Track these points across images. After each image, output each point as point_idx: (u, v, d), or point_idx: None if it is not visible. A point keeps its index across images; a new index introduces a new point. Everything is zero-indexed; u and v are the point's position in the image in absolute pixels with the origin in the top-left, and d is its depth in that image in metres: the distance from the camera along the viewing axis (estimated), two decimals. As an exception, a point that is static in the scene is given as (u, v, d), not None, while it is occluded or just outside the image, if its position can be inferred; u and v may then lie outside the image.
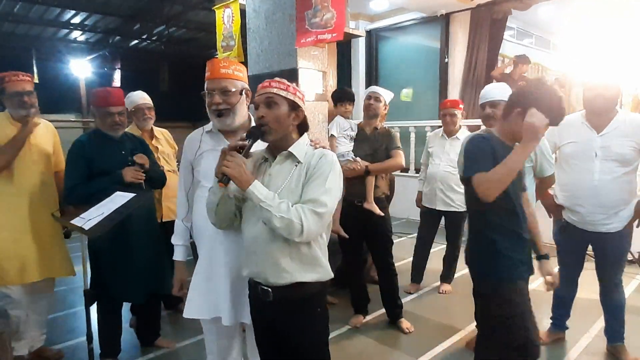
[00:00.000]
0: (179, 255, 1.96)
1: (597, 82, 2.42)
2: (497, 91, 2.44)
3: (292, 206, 1.44)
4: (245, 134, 1.53)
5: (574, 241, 2.65)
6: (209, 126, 1.87)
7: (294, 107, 1.56)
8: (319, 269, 1.55)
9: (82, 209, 2.09)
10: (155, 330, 2.86)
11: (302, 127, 1.62)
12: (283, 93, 1.54)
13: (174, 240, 1.97)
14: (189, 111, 12.08)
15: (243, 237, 1.60)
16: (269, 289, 1.53)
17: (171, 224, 3.02)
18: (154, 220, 2.64)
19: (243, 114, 1.82)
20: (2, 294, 2.46)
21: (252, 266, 1.57)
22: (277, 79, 1.56)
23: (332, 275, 1.60)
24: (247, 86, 1.83)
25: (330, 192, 1.49)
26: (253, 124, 1.85)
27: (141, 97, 3.05)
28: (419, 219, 3.91)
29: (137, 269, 2.43)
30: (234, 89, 1.77)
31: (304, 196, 1.48)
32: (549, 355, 2.71)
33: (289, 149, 1.55)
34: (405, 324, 3.06)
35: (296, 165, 1.54)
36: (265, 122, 1.52)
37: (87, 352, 2.64)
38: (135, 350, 2.81)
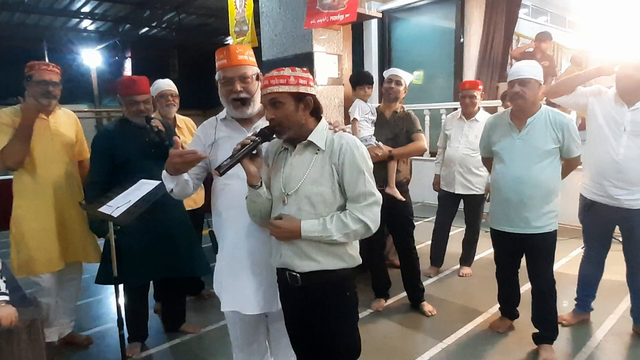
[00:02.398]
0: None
1: (629, 62, 2.37)
2: (528, 68, 2.30)
3: (345, 216, 1.47)
4: (256, 133, 1.51)
5: (599, 220, 2.62)
6: (222, 114, 1.82)
7: (300, 98, 1.49)
8: (346, 257, 1.56)
9: (107, 198, 2.10)
10: (180, 315, 2.90)
11: (316, 112, 1.56)
12: (284, 88, 1.46)
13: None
14: (199, 98, 12.09)
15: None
16: (297, 275, 1.54)
17: (190, 212, 3.06)
18: (180, 204, 2.61)
19: (260, 100, 1.75)
20: (32, 282, 2.51)
21: (279, 257, 1.57)
22: (274, 73, 1.48)
23: (360, 261, 1.60)
24: (259, 70, 1.79)
25: (370, 178, 1.51)
26: None
27: (166, 84, 3.07)
28: (434, 202, 3.88)
29: (155, 250, 2.42)
30: (252, 75, 1.73)
31: (349, 193, 1.50)
32: (573, 337, 2.70)
33: (309, 138, 1.52)
34: (427, 307, 3.06)
35: (317, 153, 1.52)
36: (277, 123, 1.50)
37: (114, 338, 2.71)
38: (161, 335, 2.86)
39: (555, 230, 2.43)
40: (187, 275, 2.64)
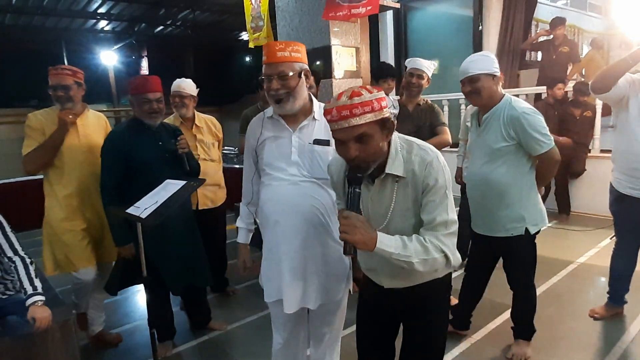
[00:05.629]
0: (241, 237, 1.99)
1: None
2: (473, 64, 2.15)
3: (425, 240, 1.29)
4: (348, 182, 1.32)
5: (632, 212, 2.52)
6: (269, 111, 1.79)
7: (384, 123, 1.27)
8: (444, 269, 1.40)
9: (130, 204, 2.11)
10: (206, 314, 2.92)
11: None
12: (369, 117, 1.23)
13: (238, 223, 1.99)
14: (215, 95, 12.17)
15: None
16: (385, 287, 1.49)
17: (207, 212, 3.08)
18: (188, 210, 2.63)
19: (303, 96, 1.73)
20: (75, 279, 2.55)
21: (373, 275, 1.51)
22: (355, 99, 1.22)
23: (459, 261, 1.39)
24: (306, 66, 1.73)
25: (452, 205, 1.35)
26: (314, 106, 1.79)
27: (177, 85, 3.01)
28: (456, 195, 3.81)
29: (175, 259, 2.47)
30: (291, 73, 1.66)
31: (428, 217, 1.31)
32: (607, 331, 2.63)
33: (387, 171, 1.33)
34: (454, 301, 3.01)
35: (397, 182, 1.35)
36: (361, 159, 1.28)
37: (143, 336, 2.75)
38: (188, 333, 2.89)
39: (522, 236, 2.18)
40: (196, 285, 2.66)
